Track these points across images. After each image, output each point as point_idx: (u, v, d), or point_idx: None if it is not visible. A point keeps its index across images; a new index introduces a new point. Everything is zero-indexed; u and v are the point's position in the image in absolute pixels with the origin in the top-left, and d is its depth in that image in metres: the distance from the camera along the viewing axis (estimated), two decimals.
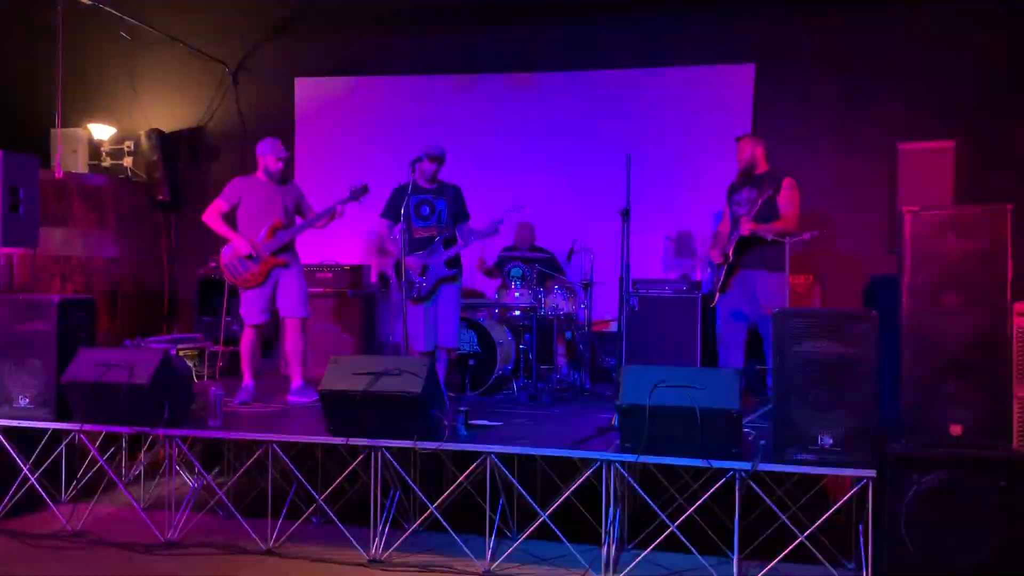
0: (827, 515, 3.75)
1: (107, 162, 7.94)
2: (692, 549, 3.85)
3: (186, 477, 5.15)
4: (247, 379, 5.37)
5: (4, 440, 4.61)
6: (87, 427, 4.46)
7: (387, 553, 4.14)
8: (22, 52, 7.92)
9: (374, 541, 4.14)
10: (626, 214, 4.51)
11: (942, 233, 3.64)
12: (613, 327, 6.59)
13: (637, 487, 3.99)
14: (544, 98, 7.43)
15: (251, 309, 5.31)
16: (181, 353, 6.55)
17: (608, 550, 3.91)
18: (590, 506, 4.17)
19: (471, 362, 5.77)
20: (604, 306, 6.77)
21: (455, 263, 5.31)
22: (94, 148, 7.91)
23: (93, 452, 4.69)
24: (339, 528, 4.22)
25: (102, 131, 7.86)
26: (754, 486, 3.80)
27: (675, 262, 7.05)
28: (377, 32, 7.68)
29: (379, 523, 4.15)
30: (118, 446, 5.24)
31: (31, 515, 4.69)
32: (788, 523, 3.80)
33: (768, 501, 3.86)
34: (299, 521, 4.30)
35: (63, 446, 4.74)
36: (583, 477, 3.99)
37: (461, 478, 4.21)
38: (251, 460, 4.45)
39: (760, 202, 5.02)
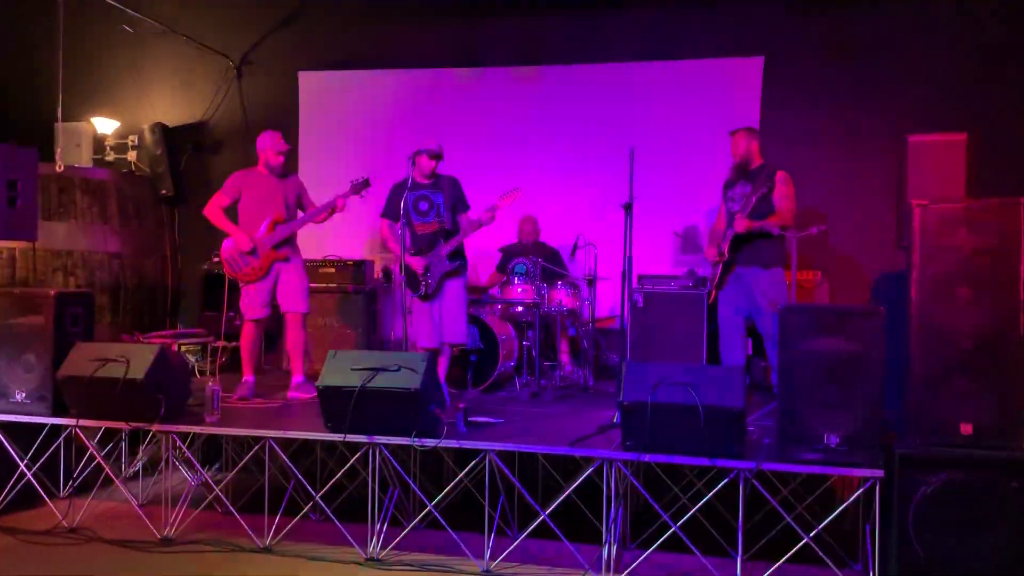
0: (832, 516, 3.68)
1: (111, 156, 7.90)
2: (694, 549, 3.77)
3: (185, 473, 5.10)
4: (247, 374, 5.33)
5: (1, 435, 4.57)
6: (83, 422, 4.41)
7: (385, 552, 4.08)
8: (27, 46, 7.89)
9: (372, 539, 4.09)
10: (629, 208, 4.41)
11: (952, 227, 3.55)
12: (617, 323, 6.51)
13: (639, 486, 3.92)
14: (548, 91, 7.34)
15: (251, 304, 5.26)
16: (183, 348, 6.52)
17: (609, 549, 3.84)
18: (592, 505, 4.10)
19: (473, 358, 5.70)
20: (608, 302, 6.69)
21: (457, 255, 5.22)
22: (98, 142, 7.87)
23: (91, 448, 4.65)
24: (338, 525, 4.17)
25: (106, 125, 7.82)
26: (758, 485, 3.72)
27: (682, 258, 6.96)
28: (381, 26, 7.62)
29: (377, 521, 4.09)
30: (117, 442, 5.20)
31: (28, 511, 4.65)
32: (793, 524, 3.72)
33: (773, 501, 3.78)
34: (296, 518, 4.25)
35: (61, 441, 4.69)
36: (584, 476, 3.92)
37: (460, 476, 4.16)
38: (248, 456, 4.39)
39: (755, 199, 4.94)
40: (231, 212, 5.30)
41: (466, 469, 4.13)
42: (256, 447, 4.31)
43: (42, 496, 4.59)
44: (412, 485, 4.24)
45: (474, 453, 4.03)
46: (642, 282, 6.07)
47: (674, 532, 3.78)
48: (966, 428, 3.53)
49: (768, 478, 4.17)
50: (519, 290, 6.07)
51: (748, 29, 6.99)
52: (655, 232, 6.86)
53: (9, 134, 6.52)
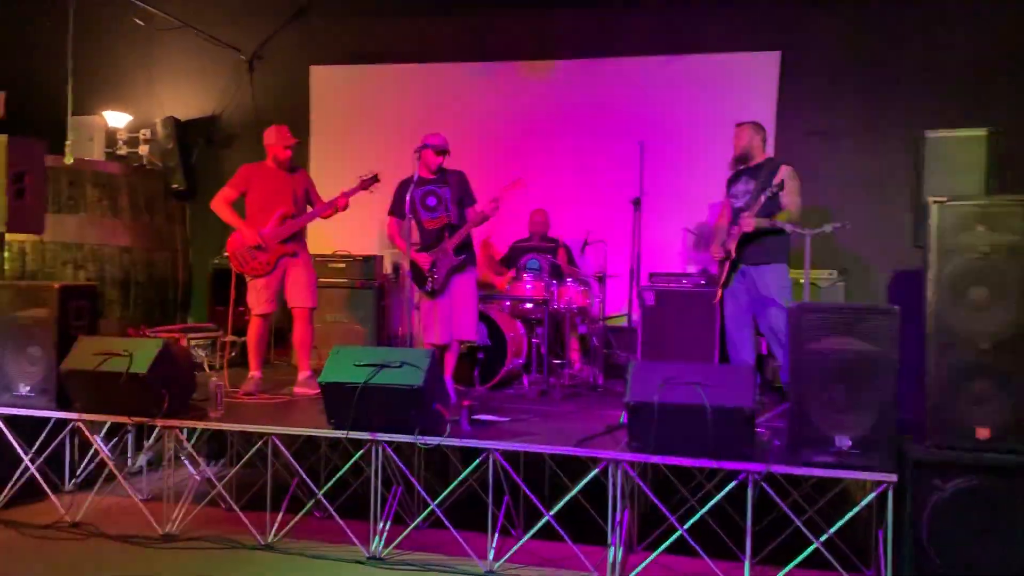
0: (842, 521, 3.59)
1: (123, 150, 7.88)
2: (701, 553, 3.69)
3: (190, 469, 5.07)
4: (254, 369, 5.29)
5: (6, 428, 4.55)
6: (86, 416, 4.39)
7: (387, 550, 4.03)
8: (40, 40, 7.89)
9: (374, 538, 4.03)
10: (638, 203, 4.33)
11: (970, 225, 3.45)
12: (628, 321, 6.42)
13: (645, 487, 3.84)
14: (560, 86, 7.25)
15: (258, 298, 5.23)
16: (192, 343, 6.49)
17: (615, 552, 3.77)
18: (599, 506, 4.02)
19: (481, 355, 5.63)
20: (620, 299, 6.60)
21: (464, 248, 5.15)
22: (110, 136, 7.87)
23: (97, 443, 4.63)
24: (340, 523, 4.12)
25: (117, 119, 7.81)
26: (767, 488, 3.63)
27: (695, 255, 6.86)
28: (392, 20, 7.56)
29: (379, 519, 4.04)
30: (123, 436, 5.17)
31: (33, 504, 4.62)
32: (803, 528, 3.63)
33: (782, 505, 3.69)
34: (299, 515, 4.20)
35: (67, 435, 4.66)
36: (589, 476, 3.85)
37: (463, 475, 4.10)
38: (250, 452, 4.35)
39: (763, 197, 4.83)
40: (239, 206, 5.27)
41: (469, 468, 4.06)
42: (259, 443, 4.26)
43: (46, 490, 4.57)
44: (415, 484, 4.18)
45: (479, 452, 3.97)
46: (653, 279, 5.98)
47: (682, 535, 3.70)
48: (983, 432, 3.42)
49: (779, 481, 4.08)
50: (528, 287, 5.99)
51: (765, 23, 6.86)
52: (668, 229, 6.78)
53: (22, 127, 6.53)
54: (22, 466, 4.54)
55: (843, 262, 6.21)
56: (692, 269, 6.56)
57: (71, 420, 4.46)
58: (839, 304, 3.69)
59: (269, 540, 4.16)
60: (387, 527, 4.06)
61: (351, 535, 4.06)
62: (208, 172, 7.87)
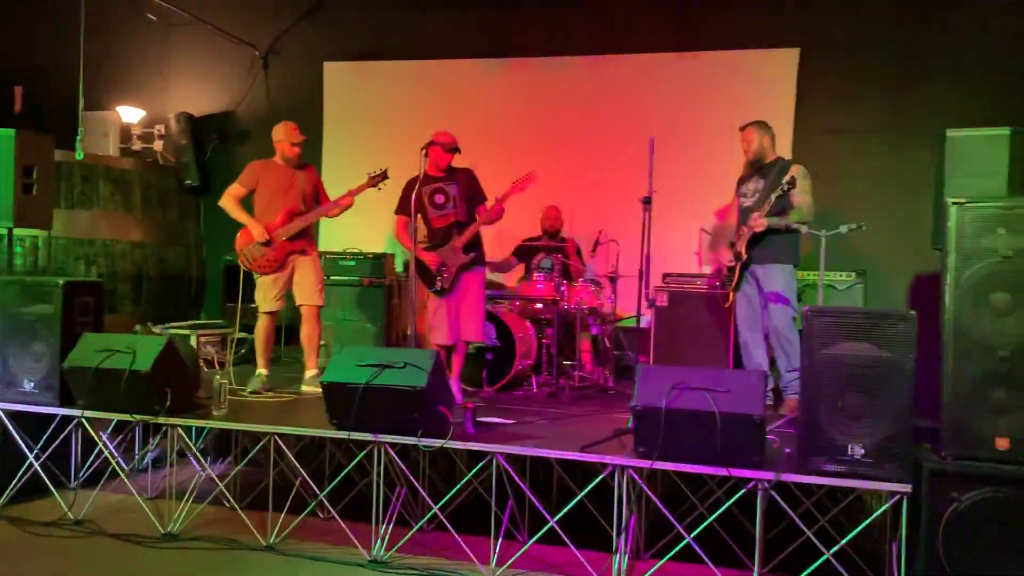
0: (853, 533, 3.47)
1: (137, 145, 7.88)
2: (708, 562, 3.59)
3: (196, 467, 5.03)
4: (261, 367, 5.25)
5: (10, 424, 4.53)
6: (88, 413, 4.35)
7: (389, 554, 3.96)
8: (55, 35, 7.91)
9: (376, 541, 3.96)
10: (648, 202, 4.23)
11: (991, 228, 3.31)
12: (641, 322, 6.30)
13: (651, 494, 3.74)
14: (574, 82, 7.16)
15: (266, 296, 5.18)
16: (202, 340, 6.46)
17: (620, 559, 3.68)
18: (607, 511, 3.93)
19: (489, 356, 5.55)
20: (632, 300, 6.49)
21: (473, 246, 5.06)
22: (125, 132, 7.87)
23: (103, 440, 4.59)
24: (342, 525, 4.06)
25: (131, 114, 7.80)
26: (776, 497, 3.52)
27: (711, 256, 6.74)
28: (406, 16, 7.53)
29: (382, 522, 3.97)
30: (129, 433, 5.15)
31: (38, 500, 4.61)
32: (813, 539, 3.52)
33: (792, 515, 3.58)
34: (301, 516, 4.15)
35: (73, 431, 4.64)
36: (594, 482, 3.76)
37: (466, 478, 4.02)
38: (253, 452, 4.30)
39: (775, 197, 4.71)
40: (248, 204, 5.22)
41: (473, 471, 3.99)
42: (261, 442, 4.21)
43: (50, 487, 4.54)
44: (418, 486, 4.10)
45: (482, 455, 3.89)
46: (667, 280, 5.88)
47: (692, 542, 3.60)
48: (1002, 442, 3.29)
49: (791, 489, 3.98)
50: (539, 286, 5.90)
51: (784, 19, 6.74)
52: (684, 229, 6.66)
53: (38, 122, 6.52)
54: (27, 462, 4.52)
55: (862, 264, 6.06)
56: (708, 270, 6.44)
57: (74, 417, 4.43)
58: (854, 308, 3.57)
59: (270, 541, 4.10)
60: (389, 530, 3.99)
61: (353, 538, 4.00)
62: (222, 168, 7.86)
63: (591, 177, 7.00)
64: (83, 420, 4.41)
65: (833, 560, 3.45)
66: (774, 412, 4.74)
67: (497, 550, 3.85)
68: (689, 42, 6.91)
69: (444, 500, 4.02)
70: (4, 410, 4.54)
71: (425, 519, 4.11)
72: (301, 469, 4.20)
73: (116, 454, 4.88)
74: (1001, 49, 6.19)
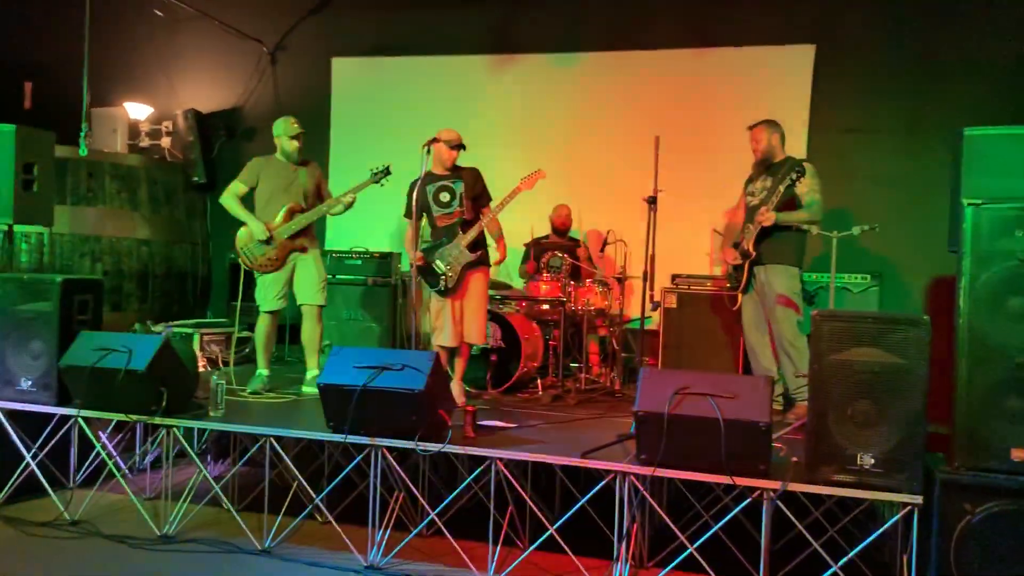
0: (861, 546, 3.36)
1: (145, 142, 7.86)
2: (710, 572, 3.48)
3: (200, 466, 4.97)
4: (261, 367, 5.18)
5: (8, 423, 4.48)
6: (85, 413, 4.30)
7: (386, 560, 3.88)
8: (65, 31, 7.87)
9: (372, 546, 3.88)
10: (653, 202, 4.13)
11: (1008, 230, 3.19)
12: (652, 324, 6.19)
13: (653, 502, 3.64)
14: (585, 78, 7.05)
15: (266, 295, 5.11)
16: (206, 339, 6.41)
17: (620, 567, 3.58)
18: (611, 519, 3.83)
19: (493, 357, 5.46)
20: (640, 301, 6.39)
21: (478, 245, 4.96)
22: (133, 128, 7.84)
23: (102, 439, 4.55)
24: (338, 530, 3.99)
25: (138, 110, 7.77)
26: (783, 507, 3.41)
27: (721, 257, 6.61)
28: (415, 11, 7.45)
29: (378, 527, 3.89)
30: (129, 433, 5.09)
31: (36, 500, 4.55)
32: (821, 551, 3.40)
33: (799, 526, 3.47)
34: (297, 519, 4.07)
35: (73, 431, 4.58)
36: (595, 489, 3.66)
37: (464, 483, 3.94)
38: (249, 454, 4.23)
39: (782, 189, 4.59)
40: (248, 200, 5.16)
41: (472, 475, 3.90)
42: (258, 444, 4.14)
43: (48, 487, 4.48)
44: (415, 491, 4.02)
45: (482, 460, 3.80)
46: (676, 282, 5.77)
47: (697, 551, 3.50)
48: (1018, 453, 3.17)
49: (799, 498, 3.86)
50: (545, 287, 5.80)
51: (799, 15, 6.60)
52: (696, 229, 6.54)
53: (46, 119, 6.49)
54: (24, 462, 4.47)
55: (878, 267, 5.93)
56: (720, 271, 6.32)
57: (72, 416, 4.37)
58: (864, 312, 3.45)
59: (266, 545, 4.03)
60: (387, 535, 3.91)
61: (349, 543, 3.92)
62: (229, 165, 7.78)
63: (600, 176, 6.89)
64: (79, 420, 4.35)
65: (840, 573, 3.33)
66: (782, 418, 4.62)
67: (496, 557, 3.77)
68: (702, 38, 6.79)
69: (442, 506, 3.93)
70: (1, 409, 4.49)
71: (423, 525, 4.03)
72: (297, 472, 4.12)
73: (115, 454, 4.84)
74: (1021, 45, 6.01)
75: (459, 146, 4.93)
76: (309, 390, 5.06)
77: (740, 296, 4.98)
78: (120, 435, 5.00)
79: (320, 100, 7.66)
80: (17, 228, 5.49)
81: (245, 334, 6.24)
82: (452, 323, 4.94)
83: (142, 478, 4.89)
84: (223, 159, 7.87)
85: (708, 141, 6.63)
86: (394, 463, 3.89)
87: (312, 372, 5.16)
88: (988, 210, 3.23)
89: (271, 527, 4.07)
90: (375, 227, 7.23)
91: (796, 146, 6.22)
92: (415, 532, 3.99)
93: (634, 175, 6.62)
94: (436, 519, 3.86)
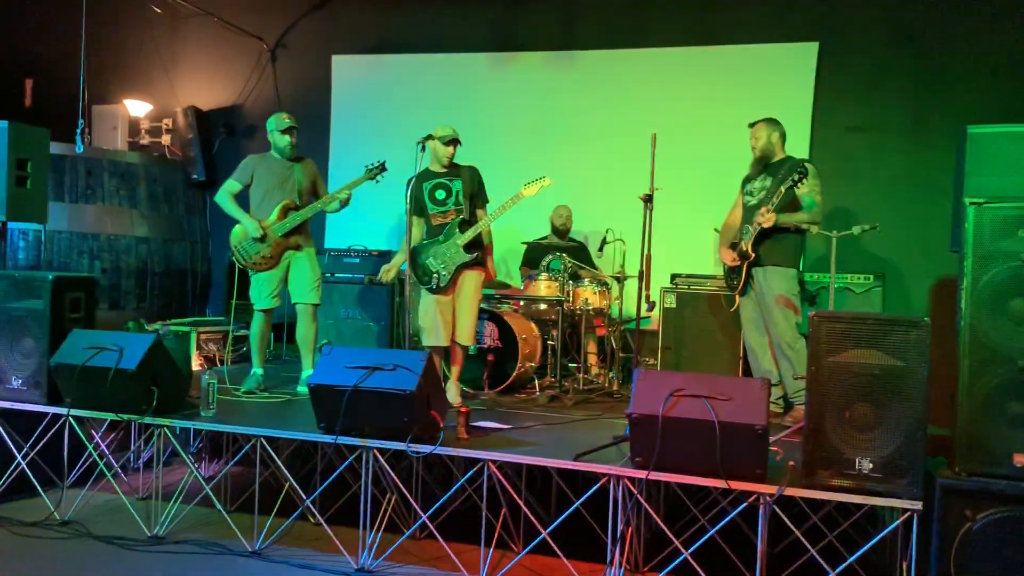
0: (860, 552, 3.29)
1: (145, 139, 7.82)
2: None
3: (191, 467, 4.93)
4: (256, 366, 5.14)
5: None
6: (75, 412, 4.26)
7: (377, 563, 3.83)
8: (66, 29, 7.85)
9: (363, 549, 3.83)
10: (649, 200, 4.06)
11: (1011, 229, 3.12)
12: (652, 324, 6.12)
13: (647, 507, 3.57)
14: (583, 77, 6.98)
15: (260, 293, 5.06)
16: (203, 337, 6.37)
17: (614, 572, 3.51)
18: (607, 523, 3.77)
19: (490, 357, 5.39)
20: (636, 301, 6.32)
21: (475, 246, 4.88)
22: (133, 126, 7.80)
23: (96, 438, 4.50)
24: (328, 532, 3.94)
25: (138, 108, 7.74)
26: (779, 512, 3.34)
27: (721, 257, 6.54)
28: (415, 9, 7.40)
29: (369, 529, 3.84)
30: (126, 431, 5.05)
31: (28, 500, 4.51)
32: (818, 557, 3.34)
33: (796, 532, 3.40)
34: (288, 520, 4.02)
35: (65, 430, 4.54)
36: (589, 492, 3.60)
37: (457, 485, 3.88)
38: (240, 454, 4.18)
39: (783, 189, 4.51)
40: (243, 198, 5.11)
41: (466, 477, 3.84)
42: (248, 444, 4.09)
43: (39, 486, 4.44)
44: (407, 494, 3.96)
45: (475, 461, 3.75)
46: (676, 281, 5.69)
47: (693, 556, 3.43)
48: (1020, 458, 3.10)
49: (797, 502, 3.79)
50: (544, 287, 5.73)
51: (802, 12, 6.52)
52: (696, 228, 6.46)
53: (46, 116, 6.46)
54: (15, 462, 4.43)
55: (881, 267, 5.84)
56: (720, 271, 6.25)
57: (62, 415, 4.33)
58: (864, 313, 3.38)
59: (257, 546, 3.98)
60: (378, 537, 3.86)
61: (339, 545, 3.87)
62: (229, 162, 7.70)
63: (601, 174, 6.81)
64: (70, 419, 4.31)
65: None
66: (780, 421, 4.55)
67: (488, 560, 3.71)
68: (703, 36, 6.71)
69: (433, 508, 3.88)
70: None
71: (415, 527, 3.98)
72: (289, 474, 4.07)
73: (107, 453, 4.80)
74: None
75: (454, 141, 4.87)
76: (304, 390, 5.00)
77: (738, 298, 4.91)
78: (113, 434, 4.96)
79: (320, 97, 7.61)
80: (13, 225, 5.47)
81: (243, 333, 6.19)
82: (442, 323, 4.86)
83: (136, 478, 4.85)
84: (223, 157, 7.82)
85: (710, 140, 6.54)
86: (385, 465, 3.83)
87: (307, 371, 5.10)
88: (990, 209, 3.15)
89: (262, 528, 4.02)
90: (373, 225, 7.18)
91: (799, 145, 6.14)
92: (407, 535, 3.94)
93: (634, 174, 6.54)
94: (428, 522, 3.81)
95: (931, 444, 3.26)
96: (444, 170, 4.92)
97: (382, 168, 5.02)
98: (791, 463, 3.47)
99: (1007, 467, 3.10)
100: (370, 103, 7.53)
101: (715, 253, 6.49)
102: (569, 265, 5.62)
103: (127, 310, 6.93)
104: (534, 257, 6.33)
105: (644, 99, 6.81)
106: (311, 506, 4.00)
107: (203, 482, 4.21)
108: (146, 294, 7.13)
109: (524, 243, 6.44)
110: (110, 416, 4.21)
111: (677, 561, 3.49)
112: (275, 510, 4.10)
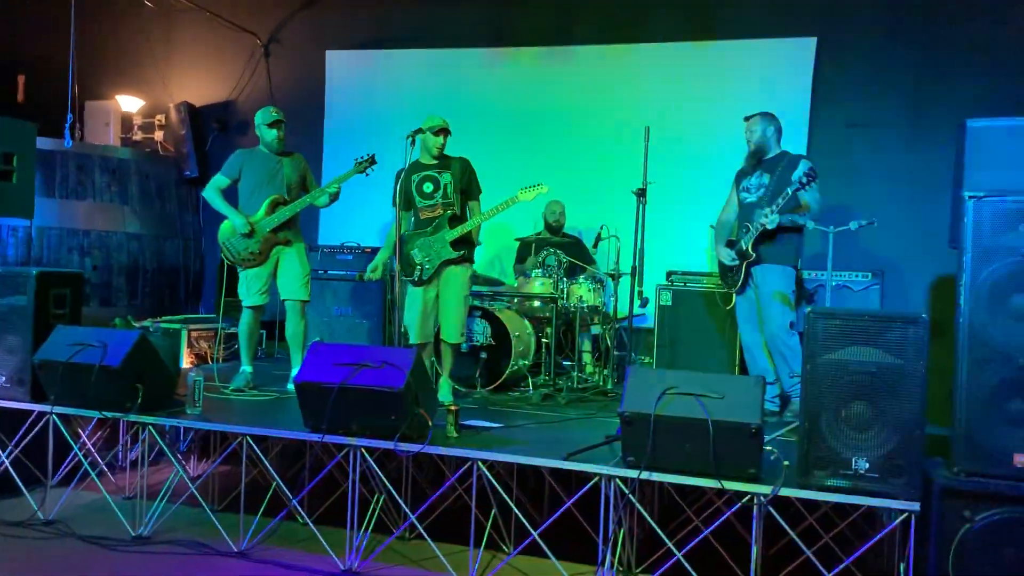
0: (856, 555, 3.21)
1: (138, 136, 7.75)
2: None
3: (178, 467, 4.85)
4: (244, 364, 5.06)
5: None
6: (58, 409, 4.19)
7: (364, 564, 3.76)
8: (60, 23, 7.77)
9: (351, 550, 3.76)
10: (642, 194, 3.99)
11: (1012, 224, 3.04)
12: (643, 321, 6.04)
13: (639, 507, 3.50)
14: (579, 73, 6.91)
15: (249, 289, 4.99)
16: (194, 335, 6.30)
17: (605, 573, 3.44)
18: (597, 522, 3.70)
19: (483, 355, 5.32)
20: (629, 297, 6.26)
21: (463, 243, 4.78)
22: (127, 121, 7.73)
23: (83, 437, 4.44)
24: (323, 529, 3.88)
25: (130, 103, 7.67)
26: (774, 513, 3.27)
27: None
28: (409, 4, 7.34)
29: (357, 530, 3.77)
30: (114, 430, 4.97)
31: (13, 499, 4.43)
32: (813, 559, 3.27)
33: (791, 533, 3.33)
34: (274, 520, 3.95)
35: (49, 428, 4.46)
36: (580, 492, 3.53)
37: (446, 485, 3.81)
38: (225, 453, 4.11)
39: (791, 191, 4.44)
40: (231, 193, 5.04)
41: (455, 476, 3.77)
42: (234, 443, 4.02)
43: (24, 485, 4.37)
44: (395, 493, 3.89)
45: (465, 461, 3.67)
46: (671, 278, 5.62)
47: (687, 558, 3.36)
48: (1021, 458, 3.02)
49: (793, 503, 3.72)
50: (538, 283, 5.65)
51: (801, 7, 6.45)
52: (693, 225, 6.39)
53: (38, 112, 6.38)
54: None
55: (880, 264, 5.77)
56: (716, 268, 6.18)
57: (47, 413, 4.26)
58: (860, 310, 3.30)
59: (243, 547, 3.91)
60: (366, 538, 3.79)
61: (326, 546, 3.80)
62: (222, 159, 7.56)
63: (596, 170, 6.74)
64: (54, 416, 4.24)
65: None
66: (778, 420, 4.48)
67: (478, 561, 3.64)
68: (701, 31, 6.63)
69: (422, 508, 3.81)
70: None
71: (403, 528, 3.91)
72: (275, 473, 4.00)
73: (93, 451, 4.73)
74: None
75: (444, 130, 4.76)
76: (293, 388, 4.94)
77: (735, 296, 4.84)
78: (100, 432, 4.89)
79: (314, 93, 7.54)
80: (3, 221, 5.39)
81: (234, 330, 6.11)
82: (423, 318, 4.76)
83: (123, 477, 4.78)
84: (216, 153, 7.75)
85: (707, 137, 6.48)
86: (373, 464, 3.76)
87: (297, 369, 5.03)
88: (990, 203, 3.08)
89: (249, 528, 3.95)
90: (367, 222, 7.11)
91: (797, 141, 6.08)
92: (395, 535, 3.88)
93: (629, 170, 6.48)
94: (416, 522, 3.74)
95: (929, 444, 3.20)
96: (434, 162, 4.82)
97: (372, 161, 4.94)
98: (786, 463, 3.39)
99: (1007, 467, 3.02)
100: (364, 99, 7.46)
101: (711, 250, 6.43)
102: (564, 261, 5.54)
103: (118, 307, 6.87)
104: (528, 253, 6.26)
105: (640, 95, 6.73)
106: (298, 506, 3.93)
107: (188, 481, 4.14)
108: (137, 291, 7.06)
109: (518, 239, 6.36)
110: (94, 414, 4.14)
111: (670, 563, 3.42)
112: (262, 510, 4.02)
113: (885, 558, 3.62)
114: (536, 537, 3.51)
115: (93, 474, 4.33)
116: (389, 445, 3.64)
